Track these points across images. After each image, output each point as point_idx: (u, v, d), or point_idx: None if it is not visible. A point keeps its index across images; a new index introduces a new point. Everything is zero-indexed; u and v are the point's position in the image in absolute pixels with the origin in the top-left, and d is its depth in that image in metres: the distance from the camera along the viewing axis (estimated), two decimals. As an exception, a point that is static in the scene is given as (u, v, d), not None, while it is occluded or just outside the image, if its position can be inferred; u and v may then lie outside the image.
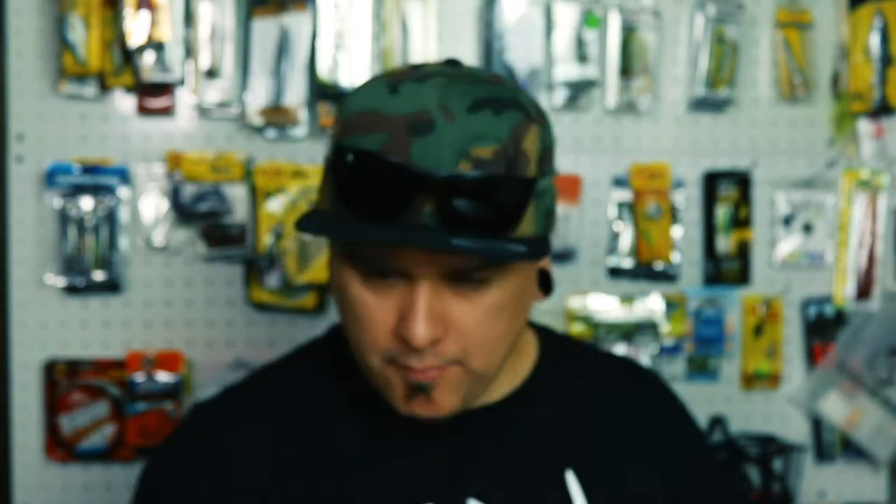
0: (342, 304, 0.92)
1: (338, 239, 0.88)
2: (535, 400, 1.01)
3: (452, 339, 0.88)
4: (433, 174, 0.81)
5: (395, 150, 0.82)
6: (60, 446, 1.76)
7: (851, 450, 1.92)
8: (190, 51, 1.73)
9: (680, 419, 1.10)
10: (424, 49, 1.78)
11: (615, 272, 1.85)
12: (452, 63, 0.92)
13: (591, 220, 1.83)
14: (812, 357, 1.90)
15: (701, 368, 1.87)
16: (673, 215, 1.85)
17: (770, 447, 1.85)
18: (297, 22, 1.74)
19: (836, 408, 1.90)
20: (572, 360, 1.07)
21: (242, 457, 0.98)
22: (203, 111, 1.76)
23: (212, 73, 1.73)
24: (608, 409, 1.04)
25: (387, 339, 0.88)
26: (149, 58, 1.71)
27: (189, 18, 1.73)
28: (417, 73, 0.87)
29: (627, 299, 1.84)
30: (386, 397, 0.93)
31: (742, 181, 1.86)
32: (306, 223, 0.87)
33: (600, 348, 1.20)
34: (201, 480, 0.98)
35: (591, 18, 1.80)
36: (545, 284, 0.96)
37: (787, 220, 1.88)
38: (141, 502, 1.02)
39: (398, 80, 0.86)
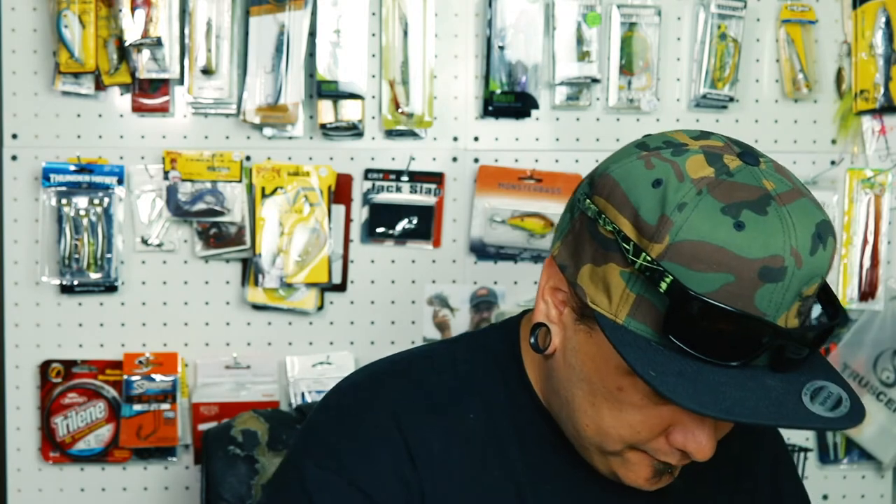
0: (600, 394, 0.88)
1: (721, 419, 0.81)
2: None
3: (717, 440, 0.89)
4: (784, 328, 0.80)
5: (740, 294, 0.79)
6: (55, 448, 1.74)
7: (855, 452, 1.91)
8: (186, 48, 1.72)
9: (784, 447, 1.13)
10: (423, 47, 1.76)
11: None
12: (745, 154, 0.86)
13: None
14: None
15: (703, 369, 1.86)
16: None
17: (773, 449, 1.84)
18: (295, 19, 1.72)
19: (839, 409, 1.88)
20: None
21: (428, 455, 0.94)
22: (200, 109, 1.74)
23: (209, 71, 1.72)
24: (733, 446, 1.02)
25: (652, 440, 0.87)
26: (145, 55, 1.70)
27: (185, 16, 1.71)
28: (744, 192, 0.82)
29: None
30: (612, 472, 0.92)
31: (745, 180, 1.85)
32: (658, 381, 0.80)
33: None
34: (403, 474, 0.93)
35: (591, 16, 1.79)
36: None
37: (791, 220, 1.87)
38: (322, 483, 0.94)
39: (730, 203, 0.81)
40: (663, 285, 0.79)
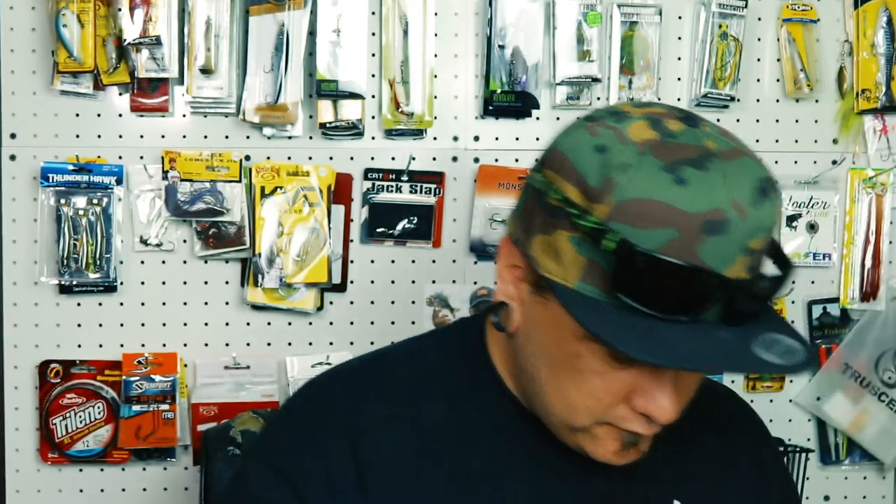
0: (559, 365, 0.89)
1: (673, 367, 0.84)
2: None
3: (681, 405, 0.89)
4: (731, 278, 0.81)
5: (684, 248, 0.80)
6: (54, 449, 1.74)
7: (857, 452, 1.90)
8: (186, 48, 1.71)
9: (769, 441, 1.13)
10: (423, 46, 1.76)
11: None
12: (689, 118, 0.88)
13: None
14: (817, 358, 1.88)
15: (704, 370, 1.85)
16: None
17: (774, 449, 1.83)
18: (294, 19, 1.72)
19: (841, 410, 1.88)
20: None
21: (377, 450, 0.95)
22: (199, 109, 1.74)
23: (208, 71, 1.71)
24: (711, 438, 1.06)
25: (616, 407, 0.88)
26: (144, 55, 1.69)
27: (185, 15, 1.70)
28: (685, 150, 0.84)
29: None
30: (582, 448, 0.93)
31: (746, 180, 1.84)
32: (607, 334, 0.82)
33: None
34: (337, 470, 0.94)
35: (592, 15, 1.78)
36: None
37: (792, 220, 1.86)
38: (262, 480, 0.96)
39: (672, 162, 0.82)
40: (609, 244, 0.81)
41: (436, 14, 1.77)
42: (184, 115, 1.74)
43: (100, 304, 1.74)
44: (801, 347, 0.84)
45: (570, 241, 0.84)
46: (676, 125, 0.86)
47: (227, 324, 1.77)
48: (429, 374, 1.00)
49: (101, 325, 1.75)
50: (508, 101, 1.78)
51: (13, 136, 1.72)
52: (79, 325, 1.74)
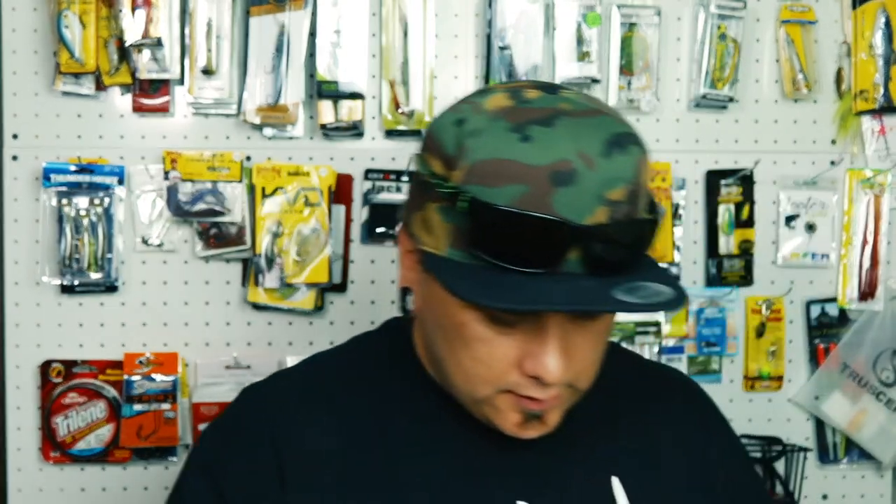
0: (451, 337, 0.91)
1: (512, 310, 0.85)
2: (585, 408, 1.01)
3: (571, 367, 0.90)
4: (580, 224, 0.83)
5: (536, 201, 0.82)
6: (56, 448, 1.74)
7: (855, 451, 1.91)
8: (187, 48, 1.72)
9: (717, 428, 1.12)
10: (423, 47, 1.76)
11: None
12: (549, 87, 0.91)
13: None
14: (815, 358, 1.89)
15: (703, 369, 1.86)
16: (674, 215, 1.83)
17: (773, 449, 1.84)
18: (295, 19, 1.72)
19: (839, 409, 1.89)
20: (620, 369, 1.09)
21: (298, 446, 0.98)
22: (200, 109, 1.74)
23: (209, 71, 1.72)
24: (649, 415, 1.06)
25: (508, 373, 0.90)
26: (145, 56, 1.70)
27: (186, 16, 1.71)
28: (535, 112, 0.86)
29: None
30: (490, 422, 0.94)
31: (744, 180, 1.85)
32: (458, 287, 0.85)
33: (642, 356, 1.22)
34: (258, 467, 0.97)
35: (591, 16, 1.79)
36: None
37: (790, 220, 1.87)
38: (192, 483, 1.01)
39: (519, 121, 0.85)
40: (463, 205, 0.84)
41: (436, 15, 1.78)
42: (185, 116, 1.75)
43: (101, 304, 1.75)
44: (670, 290, 0.86)
45: (437, 210, 0.88)
46: (534, 94, 0.89)
47: (227, 324, 1.77)
48: (353, 375, 1.03)
49: (102, 324, 1.75)
50: (508, 102, 1.78)
51: (15, 136, 1.73)
52: (80, 325, 1.75)
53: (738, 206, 1.85)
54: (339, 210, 1.77)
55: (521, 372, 0.89)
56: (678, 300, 0.85)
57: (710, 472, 1.05)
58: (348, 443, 0.98)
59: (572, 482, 0.98)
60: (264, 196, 1.74)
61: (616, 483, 0.99)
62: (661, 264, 1.82)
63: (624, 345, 1.82)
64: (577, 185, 0.83)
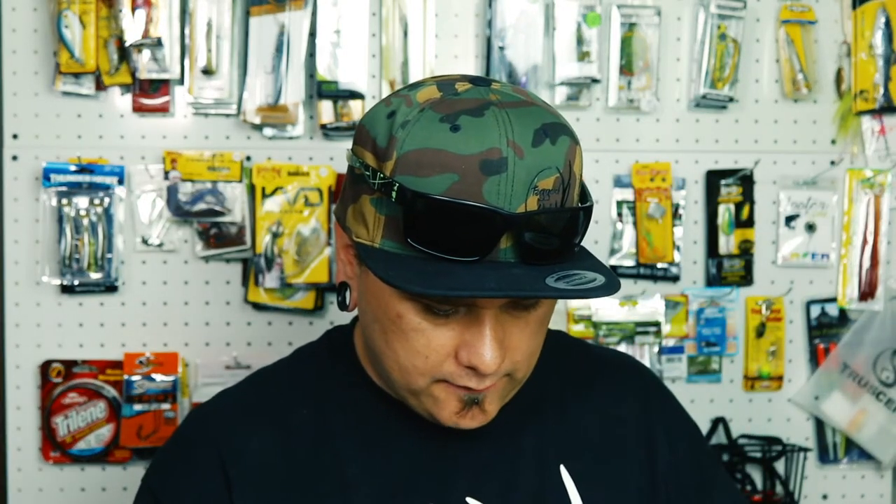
0: (388, 329, 0.92)
1: (445, 295, 0.84)
2: (531, 399, 1.03)
3: (508, 357, 0.91)
4: (511, 213, 0.84)
5: (466, 190, 0.84)
6: (56, 448, 1.74)
7: (855, 451, 1.91)
8: (187, 48, 1.72)
9: (661, 408, 1.12)
10: (423, 47, 1.76)
11: (617, 272, 1.83)
12: (479, 80, 0.92)
13: (592, 219, 1.81)
14: (815, 358, 1.89)
15: (703, 369, 1.86)
16: (674, 215, 1.83)
17: (773, 449, 1.84)
18: (295, 20, 1.72)
19: (839, 409, 1.89)
20: (564, 358, 1.10)
21: (244, 459, 0.99)
22: (200, 109, 1.74)
23: (209, 71, 1.72)
24: (598, 403, 1.07)
25: (444, 364, 0.91)
26: (145, 56, 1.70)
27: (186, 16, 1.71)
28: (465, 103, 0.87)
29: (629, 299, 1.83)
30: (429, 413, 0.95)
31: (744, 180, 1.85)
32: (392, 276, 0.85)
33: (589, 344, 1.22)
34: (204, 484, 0.98)
35: (591, 16, 1.79)
36: None
37: (790, 220, 1.87)
38: None
39: (449, 113, 0.86)
40: (394, 195, 0.85)
41: (436, 15, 1.78)
42: (185, 116, 1.75)
43: (101, 304, 1.75)
44: (602, 278, 0.87)
45: (371, 203, 0.89)
46: (464, 86, 0.90)
47: (227, 323, 1.77)
48: (295, 385, 1.04)
49: (102, 324, 1.75)
50: (508, 102, 1.78)
51: (15, 136, 1.73)
52: (80, 325, 1.75)
53: (738, 206, 1.85)
54: (339, 210, 1.77)
55: (458, 362, 0.90)
56: (609, 287, 0.86)
57: (655, 451, 1.06)
58: (293, 451, 0.99)
59: (521, 474, 0.99)
60: (264, 196, 1.74)
61: (564, 472, 1.00)
62: (660, 265, 1.83)
63: (624, 345, 1.82)
64: (506, 173, 0.84)
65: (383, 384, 1.00)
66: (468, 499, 0.97)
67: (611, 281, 0.86)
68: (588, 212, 0.91)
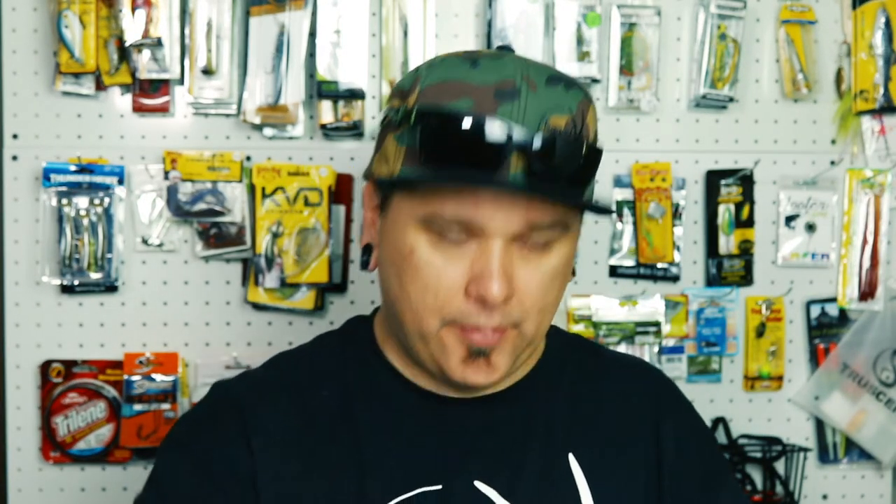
0: (402, 270, 0.95)
1: (447, 182, 0.91)
2: (543, 388, 1.05)
3: (517, 300, 0.93)
4: (518, 135, 0.89)
5: (481, 112, 0.89)
6: (56, 448, 1.74)
7: (855, 451, 1.91)
8: (187, 48, 1.72)
9: (674, 409, 1.13)
10: (423, 47, 1.76)
11: (616, 272, 1.84)
12: (505, 48, 0.99)
13: (592, 219, 1.82)
14: (815, 358, 1.89)
15: (703, 369, 1.86)
16: (674, 215, 1.83)
17: (773, 449, 1.84)
18: (295, 19, 1.72)
19: (839, 409, 1.89)
20: (577, 353, 1.12)
21: (266, 431, 1.00)
22: (200, 109, 1.74)
23: (209, 71, 1.72)
24: (609, 398, 1.08)
25: (454, 299, 0.93)
26: (145, 56, 1.70)
27: (186, 16, 1.71)
28: (487, 53, 0.95)
29: (629, 299, 1.83)
30: (437, 364, 0.96)
31: (744, 180, 1.85)
32: (402, 175, 0.91)
33: (603, 346, 1.24)
34: (230, 446, 1.00)
35: (591, 16, 1.79)
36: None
37: (790, 220, 1.87)
38: (167, 460, 1.03)
39: (472, 57, 0.93)
40: (412, 118, 0.91)
41: (436, 15, 1.78)
42: (185, 116, 1.75)
43: (101, 304, 1.75)
44: (599, 204, 0.94)
45: (394, 138, 0.94)
46: (487, 52, 0.97)
47: (227, 323, 1.77)
48: (316, 368, 1.06)
49: (102, 324, 1.75)
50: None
51: (15, 136, 1.73)
52: (80, 325, 1.75)
53: (738, 206, 1.85)
54: (339, 210, 1.77)
55: (467, 298, 0.92)
56: (603, 209, 0.94)
57: (662, 451, 1.07)
58: (313, 430, 1.00)
59: (530, 461, 1.00)
60: (264, 196, 1.74)
61: (573, 460, 1.01)
62: (660, 265, 1.83)
63: (624, 344, 1.82)
64: (519, 101, 0.90)
65: (402, 367, 1.03)
66: (477, 482, 0.98)
67: (605, 208, 0.93)
68: (599, 154, 0.95)
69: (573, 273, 1.02)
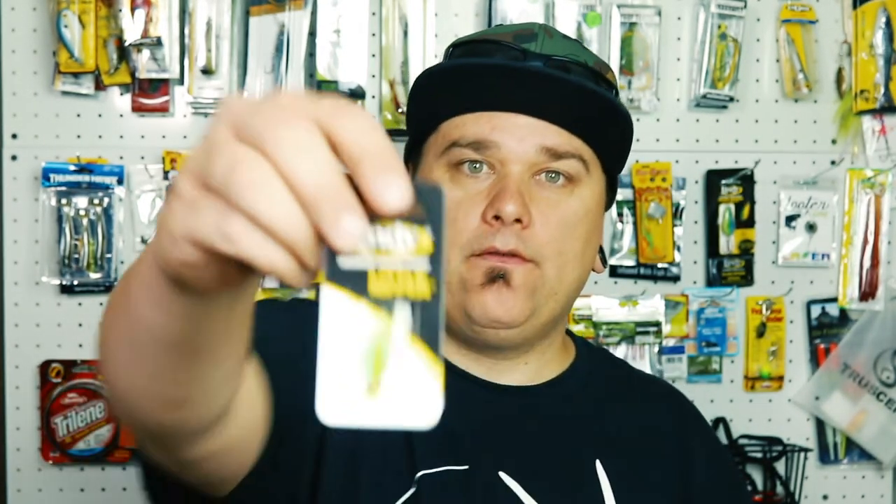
0: None
1: (457, 64, 0.99)
2: (575, 388, 1.05)
3: (532, 231, 0.94)
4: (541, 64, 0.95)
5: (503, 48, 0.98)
6: (55, 448, 1.74)
7: (855, 452, 1.91)
8: (186, 48, 1.71)
9: (699, 429, 1.14)
10: (423, 47, 1.76)
11: (617, 272, 1.83)
12: None
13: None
14: (815, 358, 1.89)
15: (703, 369, 1.86)
16: (675, 215, 1.83)
17: (773, 449, 1.84)
18: (295, 19, 1.72)
19: (839, 409, 1.88)
20: (604, 364, 1.13)
21: None
22: (200, 109, 1.74)
23: (209, 71, 1.72)
24: (634, 411, 1.08)
25: (474, 227, 0.94)
26: (145, 55, 1.70)
27: (185, 15, 1.71)
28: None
29: (629, 299, 1.82)
30: (461, 306, 0.96)
31: (745, 180, 1.85)
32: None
33: (631, 366, 1.25)
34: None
35: (591, 16, 1.79)
36: (602, 258, 1.07)
37: (791, 220, 1.87)
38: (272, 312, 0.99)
39: (500, 25, 1.08)
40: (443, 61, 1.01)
41: (436, 15, 1.77)
42: (184, 116, 1.75)
43: (101, 304, 1.75)
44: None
45: (418, 101, 1.02)
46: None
47: (227, 323, 1.77)
48: None
49: (102, 324, 1.75)
50: (508, 102, 1.78)
51: (14, 136, 1.73)
52: (80, 325, 1.75)
53: (739, 206, 1.85)
54: (339, 210, 1.77)
55: (483, 220, 0.94)
56: (619, 109, 0.99)
57: (692, 467, 1.07)
58: None
59: (557, 461, 1.00)
60: (264, 196, 1.73)
61: (600, 468, 1.01)
62: (661, 265, 1.83)
63: (624, 345, 1.82)
64: (536, 43, 0.96)
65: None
66: (501, 473, 0.98)
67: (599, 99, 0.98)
68: (613, 90, 1.00)
69: (604, 263, 1.04)
